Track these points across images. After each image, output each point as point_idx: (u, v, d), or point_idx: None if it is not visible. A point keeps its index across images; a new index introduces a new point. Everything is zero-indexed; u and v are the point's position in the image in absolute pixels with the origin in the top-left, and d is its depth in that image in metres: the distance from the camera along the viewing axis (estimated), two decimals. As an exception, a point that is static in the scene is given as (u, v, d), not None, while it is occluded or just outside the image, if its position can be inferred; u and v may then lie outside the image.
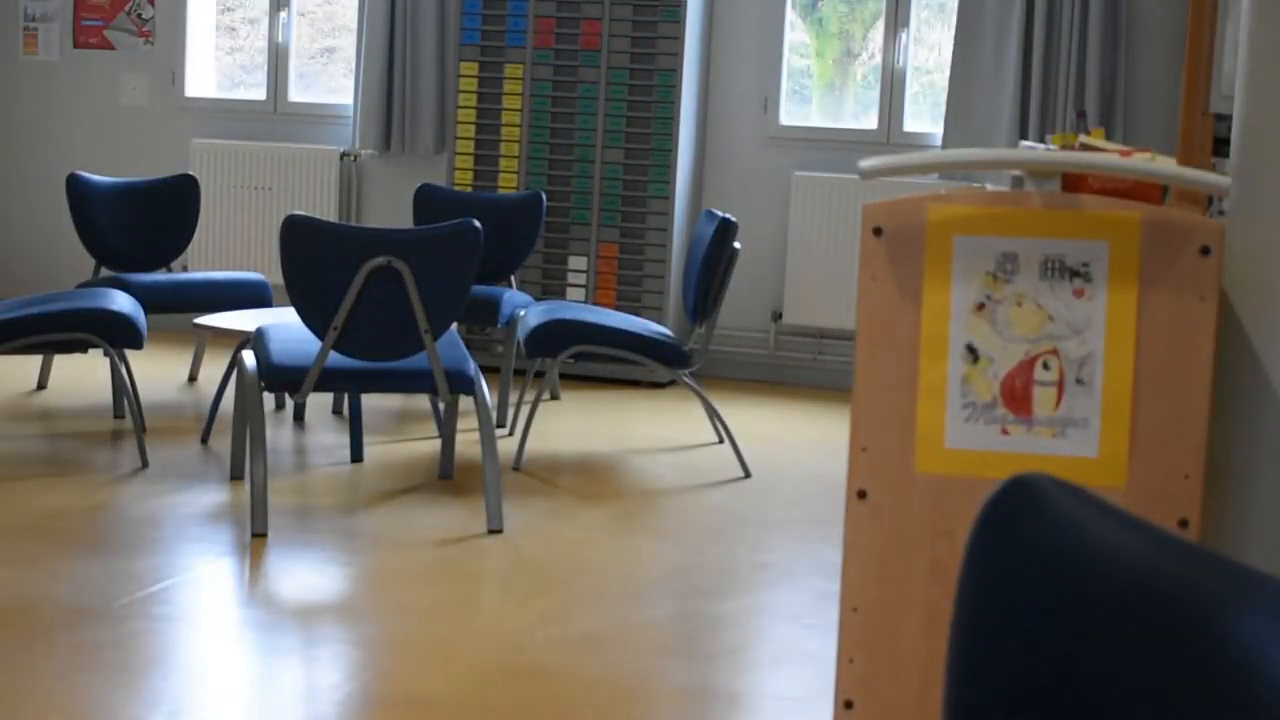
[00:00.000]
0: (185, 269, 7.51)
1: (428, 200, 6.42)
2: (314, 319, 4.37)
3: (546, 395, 6.54)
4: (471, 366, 4.55)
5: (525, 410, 6.09)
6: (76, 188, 6.28)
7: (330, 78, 8.02)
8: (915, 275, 2.44)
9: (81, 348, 5.10)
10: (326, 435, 5.65)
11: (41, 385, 6.27)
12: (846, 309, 7.07)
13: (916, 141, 7.14)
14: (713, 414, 5.61)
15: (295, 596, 3.84)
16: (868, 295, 2.47)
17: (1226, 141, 5.72)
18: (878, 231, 2.45)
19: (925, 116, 7.24)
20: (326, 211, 7.58)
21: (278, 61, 7.82)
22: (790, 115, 7.31)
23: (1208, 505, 2.39)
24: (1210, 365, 2.37)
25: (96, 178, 6.41)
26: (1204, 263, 2.36)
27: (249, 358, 4.55)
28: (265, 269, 7.65)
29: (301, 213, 4.98)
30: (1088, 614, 1.01)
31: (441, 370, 4.45)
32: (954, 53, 6.85)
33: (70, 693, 3.15)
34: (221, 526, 4.41)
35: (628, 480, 5.20)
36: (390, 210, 7.65)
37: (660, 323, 6.82)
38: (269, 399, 6.10)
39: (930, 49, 7.33)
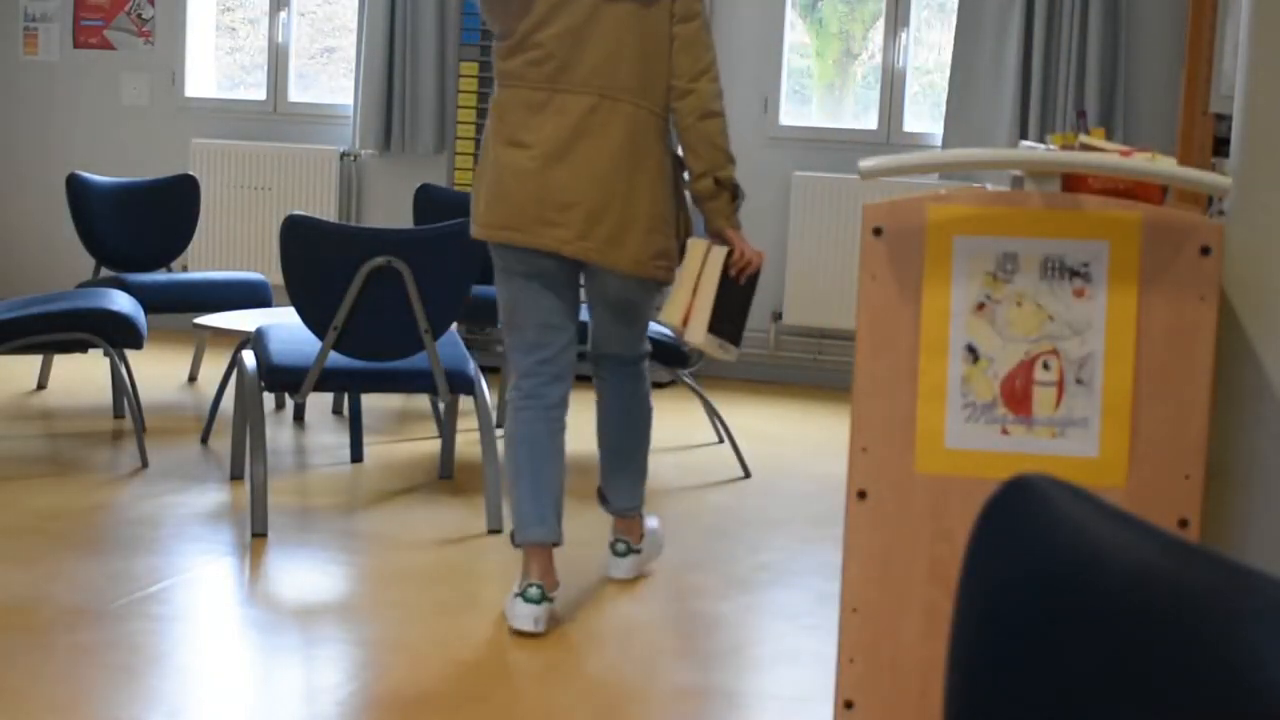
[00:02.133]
0: (185, 269, 7.51)
1: (428, 200, 6.42)
2: (314, 319, 4.37)
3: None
4: (471, 366, 4.55)
5: (525, 410, 6.09)
6: (76, 188, 6.28)
7: (330, 78, 8.02)
8: (915, 275, 2.44)
9: (81, 348, 5.10)
10: (326, 435, 5.65)
11: (41, 385, 6.27)
12: (846, 309, 7.07)
13: (916, 141, 7.14)
14: (713, 414, 5.61)
15: (295, 596, 3.84)
16: (868, 295, 2.47)
17: (1226, 141, 5.72)
18: (878, 231, 2.45)
19: (925, 116, 7.24)
20: (326, 211, 7.59)
21: (278, 61, 7.82)
22: (790, 115, 7.31)
23: (1208, 505, 2.39)
24: (1210, 365, 2.37)
25: (96, 178, 6.41)
26: (1204, 263, 2.37)
27: (249, 358, 4.55)
28: (265, 269, 7.65)
29: (301, 213, 4.99)
30: (1087, 614, 1.01)
31: (441, 370, 4.46)
32: (954, 53, 6.85)
33: (70, 693, 3.15)
34: (221, 526, 4.41)
35: (628, 480, 5.20)
36: (390, 210, 7.65)
37: (660, 323, 6.82)
38: (269, 399, 6.10)
39: (930, 49, 7.34)
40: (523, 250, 3.66)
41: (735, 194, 3.70)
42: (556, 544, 3.71)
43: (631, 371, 3.97)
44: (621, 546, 4.08)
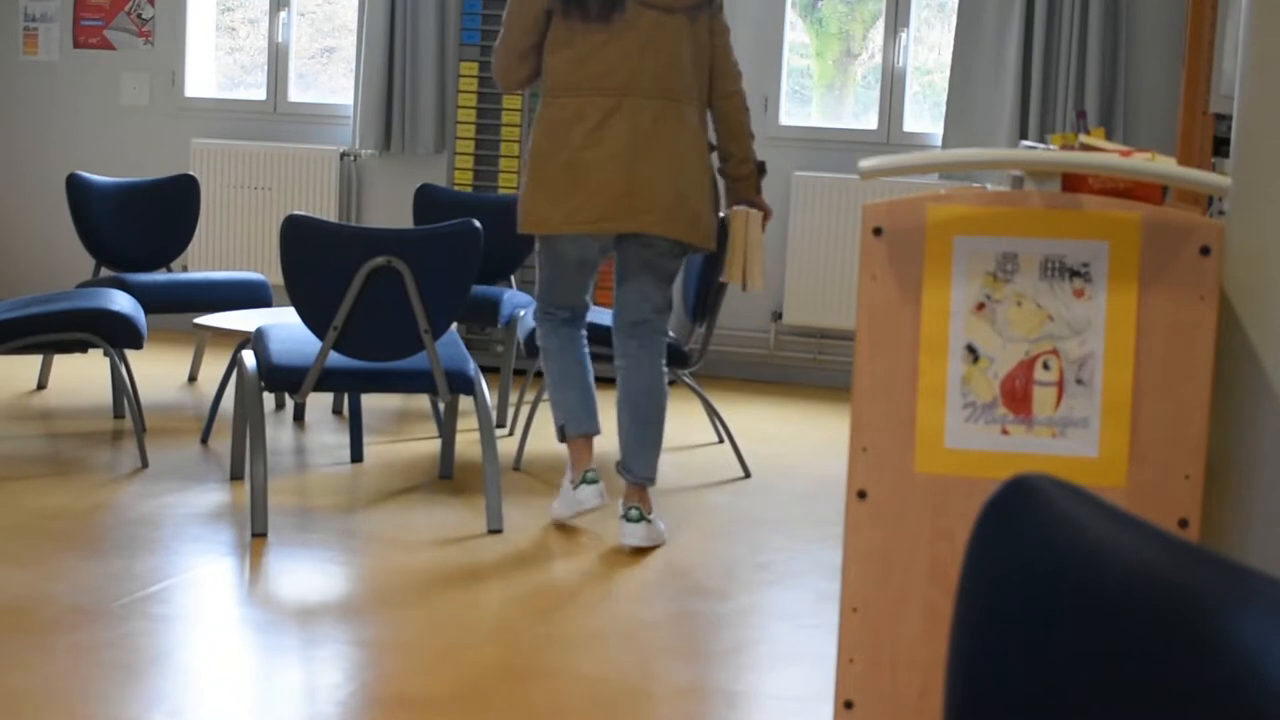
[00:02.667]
0: (185, 269, 7.51)
1: (428, 200, 6.42)
2: (314, 319, 4.37)
3: (546, 395, 6.53)
4: (471, 366, 4.55)
5: (525, 410, 6.09)
6: (76, 188, 6.28)
7: (330, 78, 8.02)
8: (915, 275, 2.44)
9: (81, 348, 5.10)
10: (326, 435, 5.65)
11: (41, 385, 6.27)
12: (846, 309, 7.07)
13: (916, 141, 7.14)
14: (713, 414, 5.61)
15: (295, 596, 3.84)
16: (868, 295, 2.47)
17: (1226, 141, 5.72)
18: (878, 231, 2.45)
19: (925, 116, 7.24)
20: (326, 211, 7.59)
21: (278, 61, 7.82)
22: (790, 115, 7.31)
23: (1208, 505, 2.39)
24: (1210, 365, 2.37)
25: (96, 178, 6.41)
26: (1204, 263, 2.37)
27: (249, 358, 4.55)
28: (265, 269, 7.65)
29: (301, 213, 4.98)
30: (1087, 614, 1.01)
31: (441, 370, 4.46)
32: (954, 53, 6.85)
33: (70, 693, 3.15)
34: (221, 526, 4.41)
35: (628, 480, 5.20)
36: (390, 210, 7.65)
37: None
38: (269, 399, 6.10)
39: (930, 49, 7.34)
40: (583, 239, 4.38)
41: (763, 169, 4.53)
42: (599, 434, 4.54)
43: (661, 340, 4.54)
44: (635, 513, 4.37)
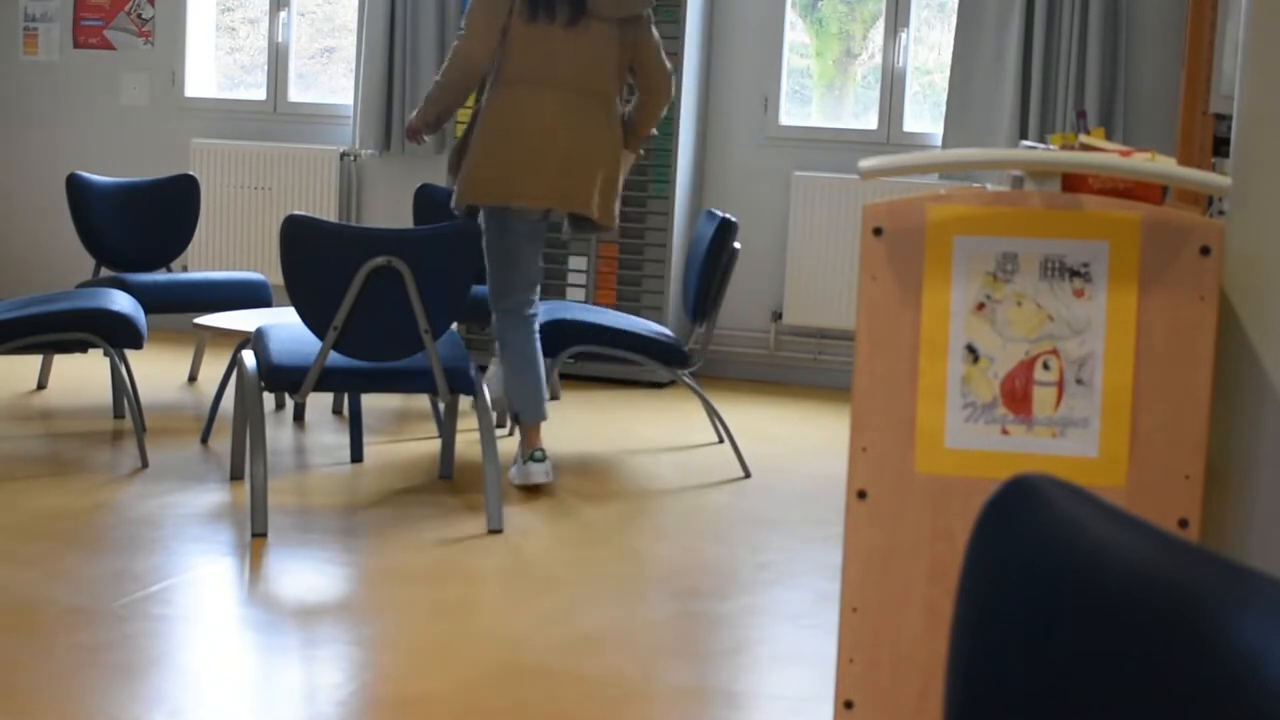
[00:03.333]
0: (185, 269, 7.51)
1: (428, 200, 6.42)
2: (314, 319, 4.37)
3: (546, 395, 6.53)
4: (471, 366, 4.55)
5: (525, 410, 6.09)
6: (76, 188, 6.28)
7: (330, 78, 8.02)
8: (915, 275, 2.44)
9: (81, 348, 5.10)
10: (326, 435, 5.65)
11: (41, 385, 6.27)
12: (846, 309, 7.07)
13: (916, 141, 7.14)
14: (713, 414, 5.61)
15: (295, 596, 3.84)
16: (868, 295, 2.47)
17: (1226, 141, 5.72)
18: (878, 231, 2.45)
19: (925, 116, 7.23)
20: (326, 211, 7.58)
21: (278, 61, 7.82)
22: (790, 115, 7.30)
23: (1208, 505, 2.39)
24: (1210, 365, 2.37)
25: (96, 178, 6.41)
26: (1204, 263, 2.37)
27: (249, 358, 4.55)
28: (265, 269, 7.65)
29: (301, 213, 4.98)
30: (1087, 614, 1.01)
31: (441, 370, 4.46)
32: (954, 53, 6.85)
33: (70, 693, 3.15)
34: (221, 526, 4.41)
35: (628, 480, 5.21)
36: (390, 210, 7.65)
37: (660, 323, 6.82)
38: (269, 399, 6.10)
39: (930, 49, 7.33)
40: (529, 212, 4.92)
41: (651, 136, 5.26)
42: (546, 419, 5.09)
43: (535, 304, 5.11)
44: (539, 454, 4.94)
